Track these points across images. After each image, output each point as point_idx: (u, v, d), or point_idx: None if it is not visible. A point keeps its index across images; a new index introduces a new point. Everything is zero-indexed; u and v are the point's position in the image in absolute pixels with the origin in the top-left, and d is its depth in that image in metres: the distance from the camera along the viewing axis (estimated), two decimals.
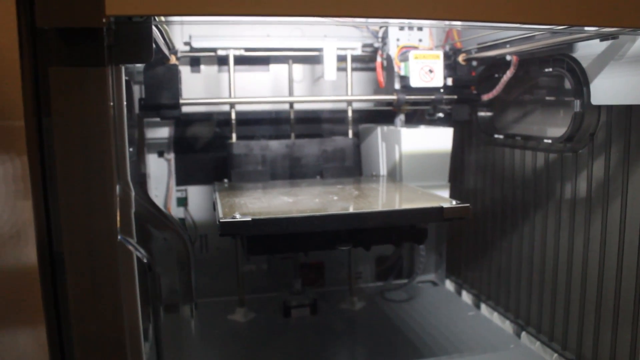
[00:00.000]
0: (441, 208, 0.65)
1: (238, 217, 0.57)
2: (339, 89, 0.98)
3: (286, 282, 1.02)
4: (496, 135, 0.94)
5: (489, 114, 0.97)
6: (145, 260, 0.40)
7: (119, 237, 0.37)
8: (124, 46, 0.38)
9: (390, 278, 1.12)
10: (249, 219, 0.58)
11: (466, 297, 1.06)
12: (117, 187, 0.38)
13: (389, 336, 0.90)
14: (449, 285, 1.12)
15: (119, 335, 0.39)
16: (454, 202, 0.66)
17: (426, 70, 0.83)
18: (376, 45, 0.92)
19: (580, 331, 0.77)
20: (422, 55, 0.82)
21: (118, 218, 0.37)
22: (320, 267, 1.09)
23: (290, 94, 0.97)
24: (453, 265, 1.13)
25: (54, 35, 0.37)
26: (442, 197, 0.76)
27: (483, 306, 1.00)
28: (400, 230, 0.72)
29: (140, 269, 0.42)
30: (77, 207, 0.37)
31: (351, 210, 0.67)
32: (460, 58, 0.88)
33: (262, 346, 0.87)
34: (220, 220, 0.57)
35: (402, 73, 0.85)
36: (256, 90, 0.99)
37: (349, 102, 0.94)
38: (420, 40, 0.86)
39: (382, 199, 0.78)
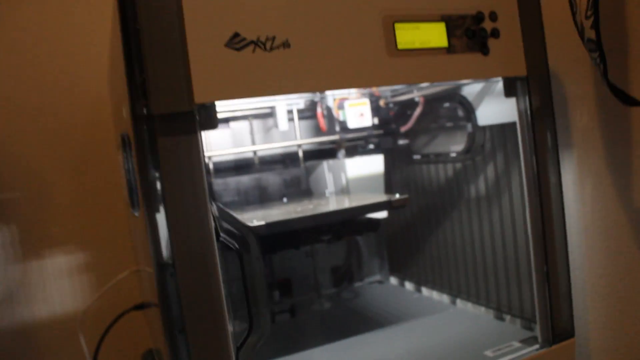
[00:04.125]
0: (389, 200, 0.93)
1: (255, 222, 0.81)
2: (288, 135, 1.23)
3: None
4: (415, 156, 1.23)
5: (407, 141, 1.23)
6: (237, 247, 0.62)
7: (221, 237, 0.59)
8: (203, 120, 0.61)
9: (345, 283, 1.36)
10: (264, 222, 0.81)
11: (409, 286, 1.32)
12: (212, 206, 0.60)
13: (355, 319, 1.13)
14: (393, 280, 1.38)
15: (220, 308, 0.61)
16: (397, 196, 0.94)
17: (358, 114, 1.10)
18: (315, 99, 1.19)
19: (497, 289, 1.05)
20: (354, 104, 1.10)
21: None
22: (289, 282, 1.32)
23: (253, 143, 1.21)
24: (394, 265, 1.38)
25: (159, 117, 0.59)
26: (387, 197, 1.05)
27: (423, 289, 1.26)
28: (361, 223, 0.99)
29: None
30: (185, 225, 0.60)
31: (330, 209, 0.94)
32: (381, 102, 1.17)
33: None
34: (250, 225, 0.79)
35: (341, 118, 1.11)
36: (221, 144, 1.23)
37: (299, 145, 1.20)
38: (349, 93, 1.14)
39: (347, 202, 1.05)
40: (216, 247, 0.62)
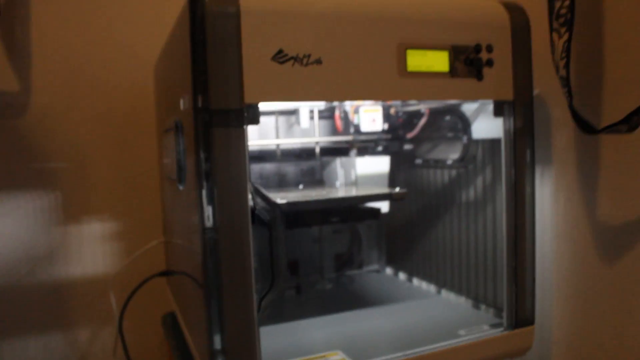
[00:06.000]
0: (390, 193, 1.10)
1: (279, 201, 0.97)
2: (308, 132, 1.40)
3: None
4: (417, 161, 1.39)
5: (411, 146, 1.38)
6: (267, 218, 0.79)
7: (256, 210, 0.76)
8: (249, 116, 0.78)
9: (345, 269, 1.53)
10: (285, 201, 0.98)
11: (402, 276, 1.48)
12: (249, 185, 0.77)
13: (351, 299, 1.28)
14: (389, 270, 1.54)
15: (249, 266, 0.78)
16: (397, 189, 1.11)
17: (371, 119, 1.27)
18: (334, 104, 1.35)
19: (476, 282, 1.21)
20: (368, 110, 1.26)
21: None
22: (296, 264, 1.48)
23: (277, 137, 1.38)
24: (391, 257, 1.54)
25: (216, 111, 0.76)
26: (389, 189, 1.21)
27: (414, 279, 1.42)
28: (365, 210, 1.16)
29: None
30: (228, 199, 0.76)
31: (340, 195, 1.11)
32: (392, 111, 1.33)
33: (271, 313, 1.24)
34: (278, 202, 0.96)
35: (356, 122, 1.28)
36: (250, 135, 1.39)
37: (317, 142, 1.36)
38: (365, 102, 1.30)
39: (354, 192, 1.21)
40: (250, 219, 0.78)
